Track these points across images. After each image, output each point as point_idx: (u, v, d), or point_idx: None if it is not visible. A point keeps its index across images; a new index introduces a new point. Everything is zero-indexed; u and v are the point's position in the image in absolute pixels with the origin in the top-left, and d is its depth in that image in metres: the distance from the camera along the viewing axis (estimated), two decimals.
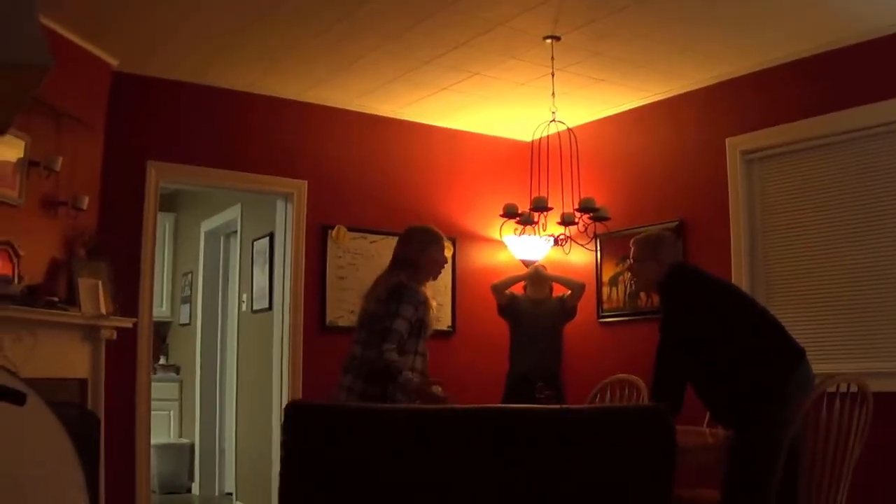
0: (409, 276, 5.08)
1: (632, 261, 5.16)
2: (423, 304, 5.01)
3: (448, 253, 8.26)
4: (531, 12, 6.04)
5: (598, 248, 8.10)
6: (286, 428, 2.26)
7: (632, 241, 5.20)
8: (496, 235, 8.25)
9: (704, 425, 5.49)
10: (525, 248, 7.77)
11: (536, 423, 2.28)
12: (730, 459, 4.59)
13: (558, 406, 2.67)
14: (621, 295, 8.00)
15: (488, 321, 7.32)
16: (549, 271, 7.65)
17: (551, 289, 7.67)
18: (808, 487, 4.59)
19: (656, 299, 4.90)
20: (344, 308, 7.78)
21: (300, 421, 2.26)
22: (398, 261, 5.22)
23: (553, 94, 6.91)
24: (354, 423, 2.27)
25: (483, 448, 2.20)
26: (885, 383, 5.96)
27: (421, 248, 5.20)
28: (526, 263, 7.69)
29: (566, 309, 7.21)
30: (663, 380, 4.69)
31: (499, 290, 7.41)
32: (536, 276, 7.53)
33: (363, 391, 4.91)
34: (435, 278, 5.36)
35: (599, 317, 8.19)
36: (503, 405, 2.59)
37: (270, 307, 8.02)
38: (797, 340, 4.68)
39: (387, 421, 2.31)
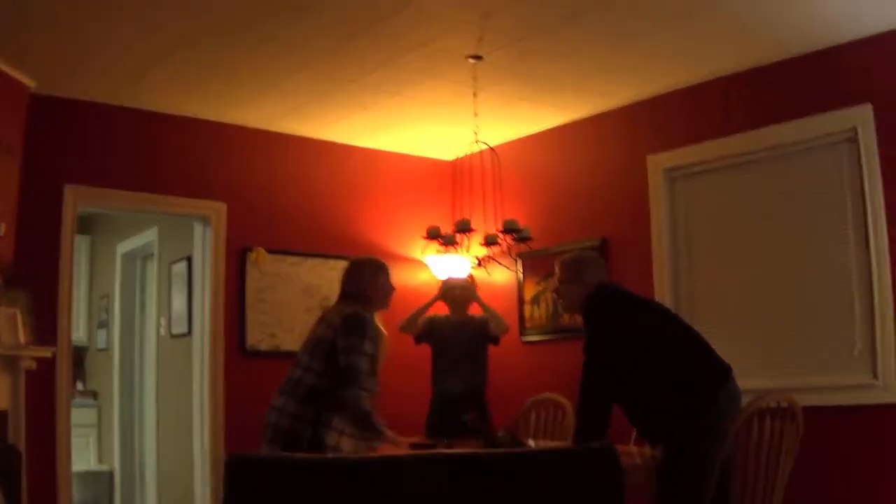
0: (363, 308, 4.90)
1: (557, 282, 5.06)
2: (376, 337, 4.85)
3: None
4: (455, 32, 5.89)
5: (520, 267, 7.95)
6: (228, 485, 2.04)
7: (557, 262, 5.11)
8: (418, 255, 8.09)
9: (632, 442, 5.40)
10: (446, 267, 7.60)
11: (489, 467, 2.16)
12: (660, 480, 4.51)
13: (512, 450, 2.54)
14: (543, 314, 7.85)
15: (408, 343, 7.07)
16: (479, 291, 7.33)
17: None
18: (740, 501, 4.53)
19: (580, 318, 4.80)
20: (264, 332, 7.56)
21: (242, 476, 2.04)
22: (348, 295, 5.03)
23: (475, 114, 6.77)
24: (302, 476, 2.07)
25: (436, 494, 2.06)
26: (808, 398, 5.92)
27: (369, 279, 5.04)
28: (448, 278, 7.45)
29: (489, 334, 6.97)
30: (588, 402, 4.62)
31: (410, 325, 7.02)
32: (458, 293, 7.15)
33: (296, 414, 4.73)
34: (386, 307, 5.17)
35: (522, 335, 8.05)
36: (455, 451, 2.44)
37: (189, 332, 7.73)
38: (722, 358, 4.61)
39: (335, 471, 2.12)
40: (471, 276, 7.31)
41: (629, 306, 4.84)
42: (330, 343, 4.78)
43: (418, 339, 7.02)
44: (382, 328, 5.03)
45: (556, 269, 5.07)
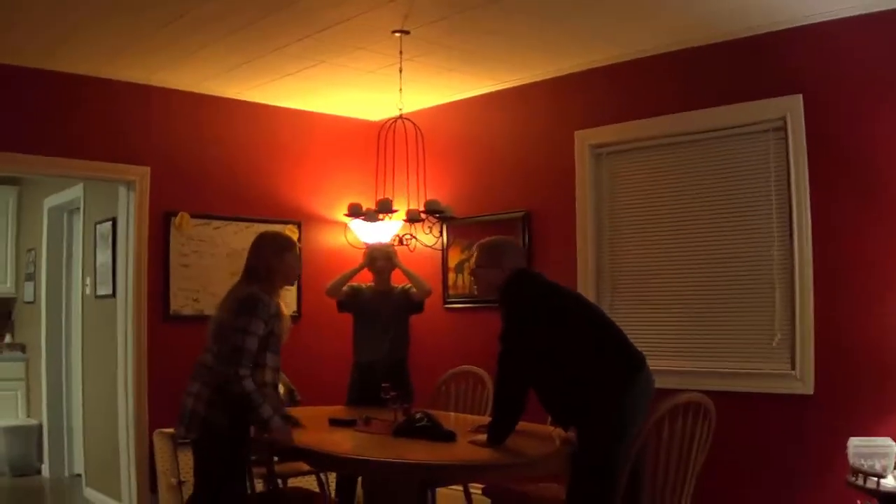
0: (263, 286, 4.67)
1: (474, 266, 4.92)
2: (276, 316, 4.63)
3: (293, 236, 7.93)
4: (381, 9, 5.60)
5: (444, 234, 7.73)
6: None
7: (475, 246, 4.97)
8: (342, 218, 7.85)
9: (548, 422, 5.30)
10: (370, 231, 7.37)
11: None
12: (572, 466, 4.43)
13: None
14: (467, 281, 7.65)
15: (335, 306, 6.87)
16: (400, 258, 6.96)
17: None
18: (651, 497, 4.46)
19: None
20: (188, 297, 7.32)
21: None
22: (251, 270, 4.80)
23: (400, 89, 6.50)
24: None
25: None
26: (725, 383, 5.87)
27: (275, 255, 4.79)
28: (371, 247, 7.18)
29: (412, 302, 6.70)
30: (505, 387, 4.54)
31: (335, 289, 6.70)
32: (381, 264, 6.78)
33: (210, 400, 4.54)
34: (291, 284, 4.98)
35: (445, 303, 7.87)
36: None
37: (114, 294, 7.42)
38: (637, 347, 4.55)
39: None
40: (393, 243, 7.04)
41: (546, 293, 4.72)
42: (231, 330, 4.58)
43: (340, 307, 6.73)
44: (283, 307, 4.80)
45: (475, 253, 4.92)
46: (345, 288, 6.67)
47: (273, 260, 4.77)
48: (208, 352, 4.68)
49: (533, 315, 4.55)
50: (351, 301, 6.67)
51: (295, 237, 7.95)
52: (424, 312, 6.77)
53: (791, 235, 5.82)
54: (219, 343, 4.61)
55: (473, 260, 4.94)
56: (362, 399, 6.37)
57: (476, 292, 5.20)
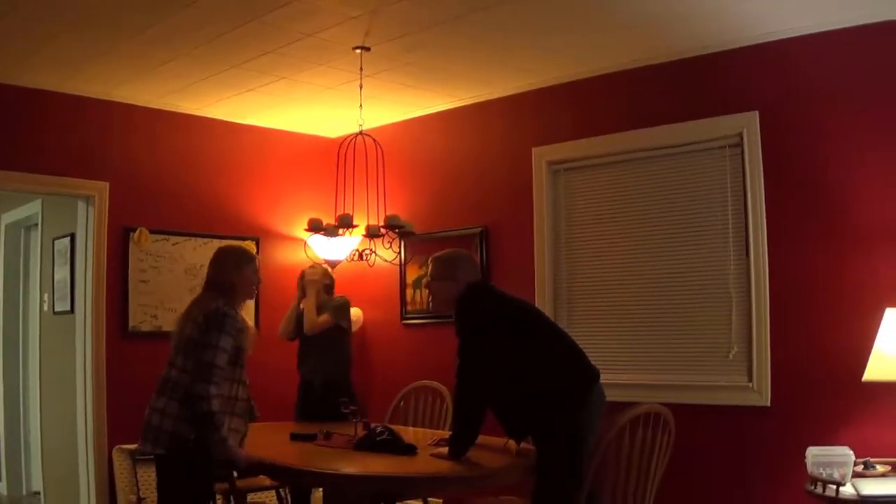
0: (226, 301, 4.61)
1: (429, 279, 4.91)
2: (242, 330, 4.57)
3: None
4: (342, 25, 5.60)
5: (402, 250, 7.69)
6: None
7: (430, 259, 4.95)
8: (299, 234, 7.80)
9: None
10: (327, 248, 7.32)
11: None
12: (536, 477, 4.41)
13: None
14: (425, 297, 7.61)
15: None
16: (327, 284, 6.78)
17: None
18: None
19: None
20: (147, 313, 7.22)
21: None
22: (212, 285, 4.72)
23: (360, 105, 6.49)
24: None
25: None
26: (683, 396, 5.89)
27: (234, 269, 4.73)
28: (331, 264, 7.13)
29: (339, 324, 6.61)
30: (464, 401, 4.53)
31: (284, 332, 6.70)
32: (304, 284, 6.71)
33: (178, 415, 4.44)
34: (252, 298, 4.93)
35: (403, 318, 7.84)
36: None
37: (72, 310, 7.32)
38: (592, 361, 4.55)
39: None
40: (323, 265, 6.97)
41: (502, 306, 4.70)
42: (199, 344, 4.49)
43: (293, 339, 6.73)
44: (248, 320, 4.76)
45: (429, 266, 4.91)
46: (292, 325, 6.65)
47: (233, 273, 4.71)
48: (173, 367, 4.59)
49: (488, 328, 4.52)
50: (295, 327, 6.64)
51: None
52: (383, 328, 6.73)
53: (747, 249, 5.86)
54: (186, 358, 4.52)
55: (428, 272, 4.92)
56: (305, 415, 6.36)
57: (431, 305, 5.17)
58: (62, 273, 7.54)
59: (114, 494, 6.86)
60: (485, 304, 4.65)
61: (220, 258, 4.84)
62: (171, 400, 4.49)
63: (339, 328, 6.54)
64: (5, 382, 8.91)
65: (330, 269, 6.85)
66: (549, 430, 4.37)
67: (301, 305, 6.67)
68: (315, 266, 6.82)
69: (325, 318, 6.46)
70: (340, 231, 6.41)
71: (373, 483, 4.34)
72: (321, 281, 6.64)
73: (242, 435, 4.65)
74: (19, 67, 6.39)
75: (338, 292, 6.80)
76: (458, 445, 4.48)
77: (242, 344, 4.55)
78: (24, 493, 8.78)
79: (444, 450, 4.55)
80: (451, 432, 4.69)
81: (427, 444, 4.92)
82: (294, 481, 5.77)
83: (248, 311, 7.77)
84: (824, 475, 4.74)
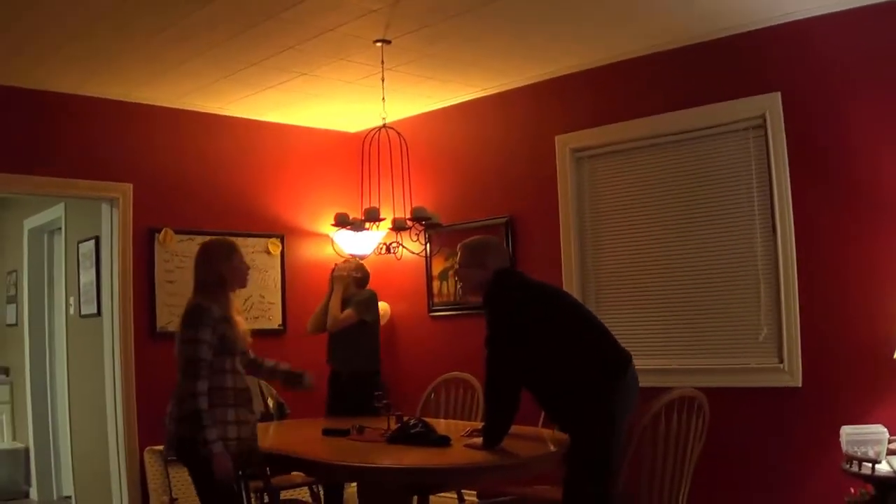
0: (208, 295, 4.60)
1: (458, 266, 4.88)
2: (221, 320, 4.53)
3: (276, 249, 7.91)
4: (362, 18, 5.61)
5: (428, 242, 7.72)
6: None
7: (459, 246, 4.92)
8: (324, 230, 7.84)
9: (541, 424, 5.30)
10: (353, 242, 7.34)
11: None
12: (568, 465, 4.40)
13: None
14: (451, 289, 7.65)
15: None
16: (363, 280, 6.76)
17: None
18: (649, 494, 4.44)
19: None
20: (173, 313, 7.18)
21: None
22: (201, 283, 4.71)
23: (383, 98, 6.50)
24: None
25: None
26: (714, 379, 5.88)
27: (222, 261, 4.70)
28: (356, 258, 7.15)
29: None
30: (495, 388, 4.49)
31: (316, 325, 6.70)
32: (338, 273, 6.69)
33: (175, 416, 4.46)
34: (244, 286, 4.90)
35: (430, 311, 7.86)
36: None
37: (99, 312, 7.37)
38: (623, 345, 4.52)
39: None
40: (357, 261, 6.96)
41: (531, 292, 4.68)
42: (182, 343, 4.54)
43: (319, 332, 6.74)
44: (236, 313, 4.73)
45: (458, 253, 4.88)
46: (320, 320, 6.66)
47: (222, 266, 4.68)
48: (178, 370, 4.64)
49: (517, 314, 4.51)
50: (324, 323, 6.65)
51: (278, 251, 7.98)
52: (410, 321, 6.74)
53: (774, 230, 5.86)
54: (178, 358, 4.55)
55: (457, 260, 4.90)
56: (334, 408, 6.39)
57: (460, 292, 5.15)
58: (88, 276, 7.60)
59: (146, 496, 6.91)
60: (512, 291, 4.63)
61: (205, 254, 4.81)
62: (173, 404, 4.52)
63: (363, 322, 6.55)
64: (33, 387, 8.97)
65: (364, 264, 6.83)
66: (582, 414, 4.34)
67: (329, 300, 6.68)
68: (347, 261, 6.80)
69: (348, 313, 6.48)
70: (367, 225, 6.41)
71: (407, 475, 4.33)
72: (350, 276, 6.63)
73: (252, 425, 4.63)
74: (37, 71, 6.43)
75: None
76: (492, 434, 4.47)
77: (227, 332, 4.52)
78: (55, 497, 8.85)
79: (478, 440, 4.55)
80: (483, 423, 4.70)
81: (460, 435, 4.92)
82: (328, 476, 5.79)
83: (274, 311, 7.84)
84: (859, 453, 4.74)
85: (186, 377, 4.38)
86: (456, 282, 5.66)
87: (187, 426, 4.36)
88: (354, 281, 6.64)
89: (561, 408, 4.50)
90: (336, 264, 6.82)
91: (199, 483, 4.49)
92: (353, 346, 6.50)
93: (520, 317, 4.50)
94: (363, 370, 6.49)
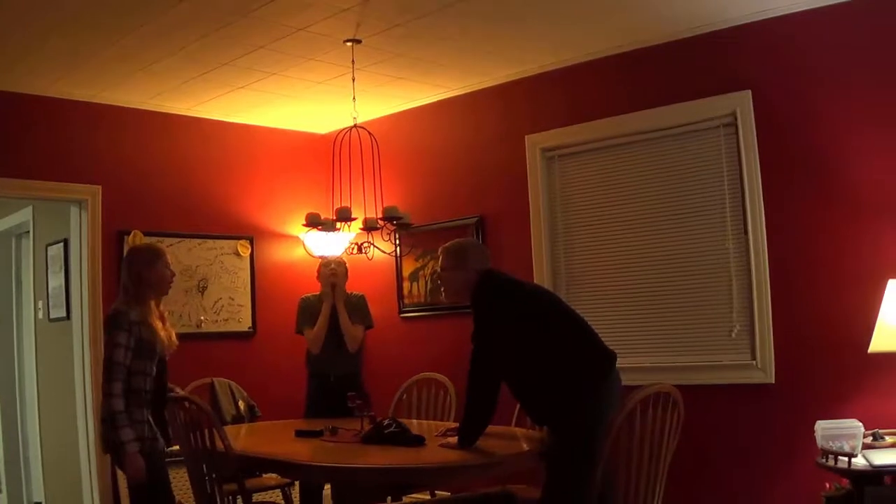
0: (128, 300, 4.62)
1: (440, 269, 4.89)
2: (138, 324, 4.53)
3: (245, 251, 7.86)
4: (333, 18, 5.60)
5: (398, 243, 7.71)
6: None
7: (440, 250, 4.92)
8: (294, 232, 7.81)
9: (513, 422, 5.31)
10: (322, 244, 7.30)
11: None
12: (548, 463, 4.40)
13: None
14: (422, 290, 7.66)
15: (290, 320, 6.74)
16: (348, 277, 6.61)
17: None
18: (625, 491, 4.41)
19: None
20: None
21: None
22: (123, 287, 4.74)
23: (354, 98, 6.48)
24: None
25: None
26: (687, 377, 5.90)
27: (145, 267, 4.72)
28: (323, 260, 7.05)
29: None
30: (477, 387, 4.49)
31: (318, 344, 6.43)
32: (332, 269, 6.49)
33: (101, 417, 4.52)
34: (165, 293, 4.91)
35: (400, 312, 7.86)
36: None
37: (69, 316, 7.31)
38: (607, 346, 4.53)
39: None
40: (342, 260, 6.90)
41: (515, 293, 4.69)
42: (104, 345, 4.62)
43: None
44: (157, 319, 4.71)
45: (440, 256, 4.88)
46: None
47: (144, 271, 4.70)
48: None
49: (503, 314, 4.52)
50: (306, 315, 6.57)
51: (248, 253, 7.93)
52: (380, 322, 6.72)
53: (745, 228, 5.89)
54: None
55: (439, 264, 4.90)
56: (319, 412, 6.30)
57: (443, 296, 5.15)
58: (57, 279, 7.52)
59: (118, 502, 6.85)
60: (500, 290, 4.64)
61: (130, 259, 4.84)
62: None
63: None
64: (1, 392, 8.87)
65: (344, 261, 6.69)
66: (568, 413, 4.34)
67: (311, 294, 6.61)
68: (338, 264, 6.62)
69: (360, 328, 6.46)
70: (338, 225, 6.38)
71: (382, 475, 4.32)
72: (345, 275, 6.53)
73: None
74: (5, 72, 6.37)
75: None
76: (469, 433, 4.48)
77: (144, 335, 4.53)
78: (25, 503, 8.76)
79: (453, 440, 4.55)
80: (458, 423, 4.69)
81: (435, 435, 4.92)
82: (303, 477, 5.77)
83: (244, 314, 7.80)
84: (834, 448, 4.77)
85: (104, 380, 4.44)
86: (434, 284, 5.63)
87: (108, 426, 4.42)
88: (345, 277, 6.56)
89: (547, 406, 4.49)
90: (323, 271, 6.63)
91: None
92: (340, 348, 6.46)
93: (503, 317, 4.52)
94: (352, 370, 6.46)
